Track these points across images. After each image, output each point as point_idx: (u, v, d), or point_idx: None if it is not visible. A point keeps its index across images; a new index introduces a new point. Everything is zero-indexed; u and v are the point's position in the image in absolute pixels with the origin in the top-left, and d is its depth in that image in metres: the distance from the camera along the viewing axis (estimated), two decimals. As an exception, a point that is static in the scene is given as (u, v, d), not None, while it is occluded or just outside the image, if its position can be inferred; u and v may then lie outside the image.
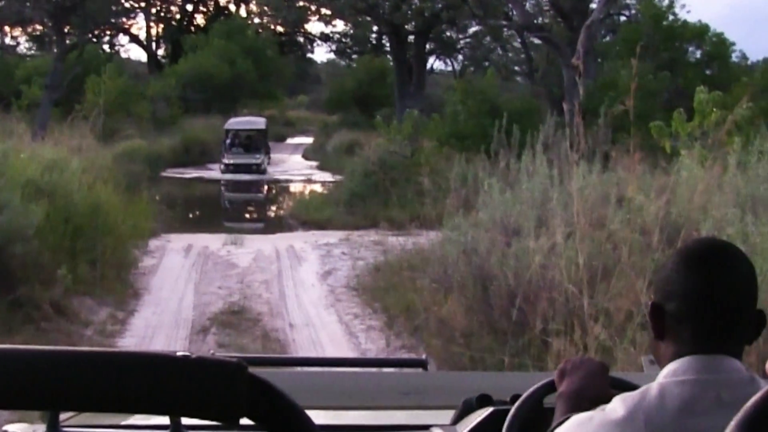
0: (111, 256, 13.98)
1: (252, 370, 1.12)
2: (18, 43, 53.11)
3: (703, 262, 1.82)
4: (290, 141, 56.61)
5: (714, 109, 13.16)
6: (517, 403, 2.21)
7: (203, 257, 16.67)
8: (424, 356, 3.55)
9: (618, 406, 1.73)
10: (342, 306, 13.10)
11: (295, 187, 33.11)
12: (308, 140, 53.25)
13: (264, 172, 35.38)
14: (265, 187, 33.66)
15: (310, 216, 22.58)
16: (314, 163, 40.92)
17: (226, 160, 35.21)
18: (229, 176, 34.11)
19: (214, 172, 35.91)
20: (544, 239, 9.10)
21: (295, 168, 39.98)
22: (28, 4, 35.38)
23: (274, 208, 29.90)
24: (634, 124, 24.19)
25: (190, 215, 26.68)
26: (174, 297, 13.47)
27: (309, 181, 34.14)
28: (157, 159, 33.20)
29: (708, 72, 34.16)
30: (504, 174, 13.33)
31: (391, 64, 49.14)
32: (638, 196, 9.58)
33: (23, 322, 10.53)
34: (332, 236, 19.08)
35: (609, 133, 14.10)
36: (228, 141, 36.83)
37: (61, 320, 11.21)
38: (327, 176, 33.89)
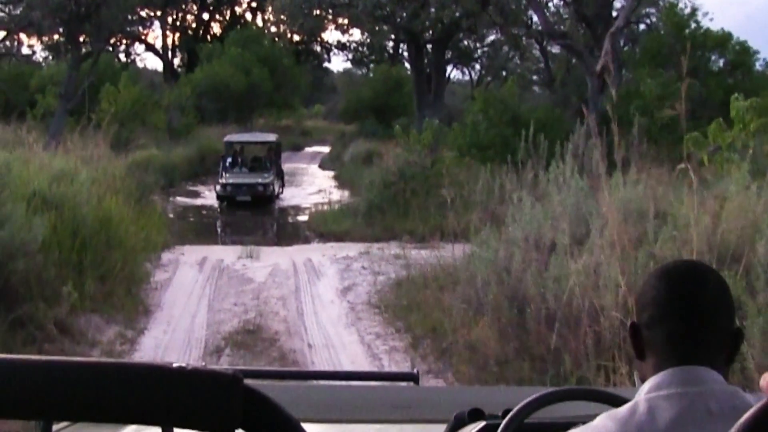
0: (121, 271, 13.40)
1: (247, 382, 1.10)
2: (34, 52, 52.87)
3: (670, 273, 1.86)
4: (307, 150, 56.68)
5: (754, 117, 12.57)
6: (507, 418, 2.16)
7: (218, 271, 16.12)
8: (415, 370, 3.59)
9: (607, 422, 1.72)
10: (363, 325, 12.47)
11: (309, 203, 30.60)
12: (325, 149, 53.37)
13: (272, 199, 29.76)
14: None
15: (328, 227, 22.12)
16: (330, 173, 40.37)
17: (223, 180, 29.02)
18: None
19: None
20: (587, 257, 8.45)
21: (313, 179, 39.39)
22: (42, 13, 34.94)
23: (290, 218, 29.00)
24: (660, 135, 23.55)
25: (203, 225, 26.11)
26: (186, 314, 12.89)
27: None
28: (172, 169, 32.63)
29: (731, 80, 33.63)
30: (532, 186, 12.80)
31: (409, 73, 48.71)
32: (683, 211, 8.91)
33: (25, 343, 9.93)
34: (351, 249, 18.45)
35: (641, 142, 13.58)
36: (229, 159, 30.32)
37: (66, 340, 10.65)
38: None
